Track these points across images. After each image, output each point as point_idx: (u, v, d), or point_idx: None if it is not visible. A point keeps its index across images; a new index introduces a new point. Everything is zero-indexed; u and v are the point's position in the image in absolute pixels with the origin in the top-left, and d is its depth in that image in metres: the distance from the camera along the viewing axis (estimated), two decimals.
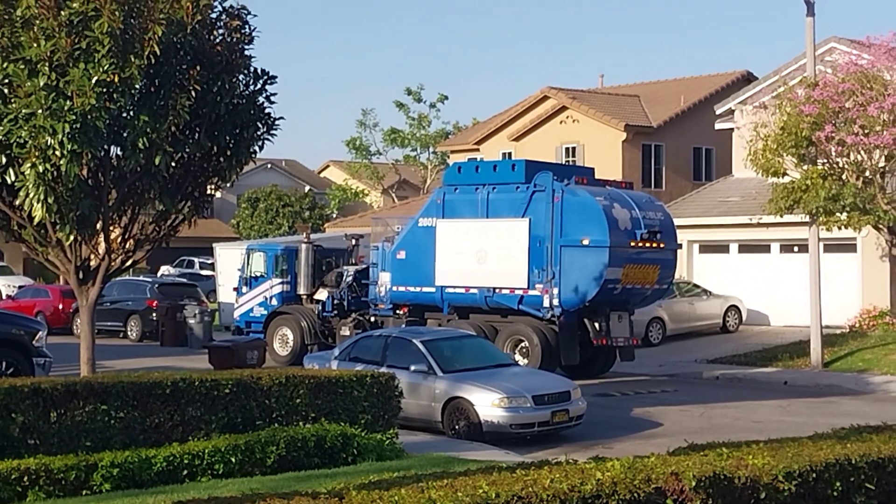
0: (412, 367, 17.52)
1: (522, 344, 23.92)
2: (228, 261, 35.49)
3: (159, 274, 48.75)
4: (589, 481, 6.80)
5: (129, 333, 34.78)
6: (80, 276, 16.25)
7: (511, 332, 24.19)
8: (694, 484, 7.15)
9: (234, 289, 30.50)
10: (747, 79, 43.41)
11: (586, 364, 24.40)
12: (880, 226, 25.88)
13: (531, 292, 23.76)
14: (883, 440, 8.72)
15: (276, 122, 16.33)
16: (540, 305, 23.63)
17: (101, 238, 16.16)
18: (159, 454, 12.54)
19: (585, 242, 23.09)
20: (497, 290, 24.30)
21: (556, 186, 23.56)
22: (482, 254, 24.46)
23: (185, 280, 41.81)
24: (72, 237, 15.40)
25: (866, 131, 24.57)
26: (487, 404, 16.74)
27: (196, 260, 54.26)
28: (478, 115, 65.89)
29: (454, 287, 24.93)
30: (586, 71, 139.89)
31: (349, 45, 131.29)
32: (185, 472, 12.61)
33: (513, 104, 47.83)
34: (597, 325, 23.88)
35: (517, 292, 24.00)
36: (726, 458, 7.72)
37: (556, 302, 23.36)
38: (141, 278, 37.08)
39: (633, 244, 23.44)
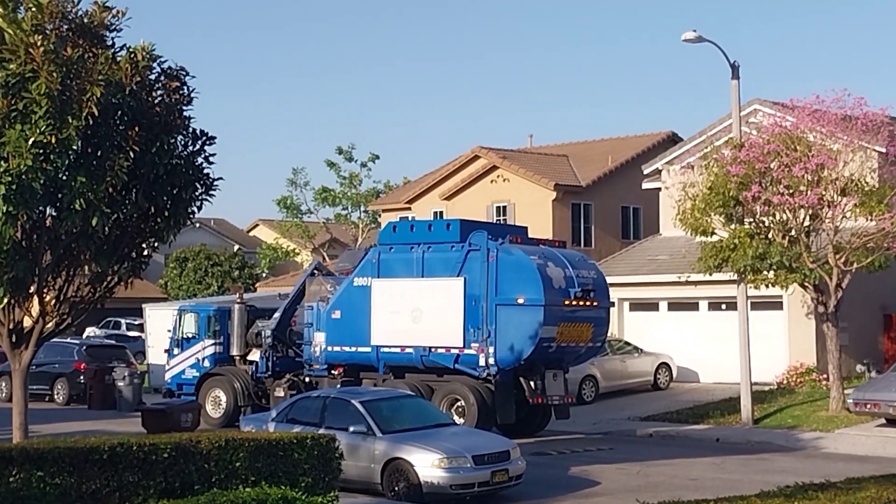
0: (351, 429, 17.41)
1: (458, 403, 23.91)
2: (158, 322, 35.08)
3: (85, 335, 47.90)
4: None
5: (55, 397, 34.11)
6: (14, 339, 15.91)
7: (447, 391, 24.17)
8: None
9: (166, 350, 30.12)
10: (672, 139, 44.27)
11: (522, 422, 24.45)
12: (806, 284, 26.41)
13: (467, 351, 23.81)
14: (829, 498, 8.86)
15: (215, 183, 16.22)
16: (476, 364, 23.68)
17: (36, 301, 15.87)
18: None
19: (520, 301, 23.24)
20: (433, 350, 24.31)
21: (491, 245, 23.73)
22: (418, 313, 24.48)
23: (113, 342, 41.15)
24: (5, 300, 15.07)
25: (791, 191, 25.17)
26: (427, 465, 16.69)
27: (123, 321, 53.44)
28: (409, 174, 66.27)
29: (390, 346, 24.89)
30: (516, 130, 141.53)
31: (279, 103, 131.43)
32: None
33: (444, 163, 48.18)
34: (532, 383, 23.98)
35: (453, 351, 24.03)
36: None
37: (491, 361, 23.43)
38: (68, 340, 36.36)
39: (567, 303, 23.65)
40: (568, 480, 19.17)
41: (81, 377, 33.41)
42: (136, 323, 48.74)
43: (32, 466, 12.54)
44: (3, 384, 33.42)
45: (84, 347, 35.37)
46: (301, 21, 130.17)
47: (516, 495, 17.38)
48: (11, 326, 15.87)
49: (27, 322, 16.20)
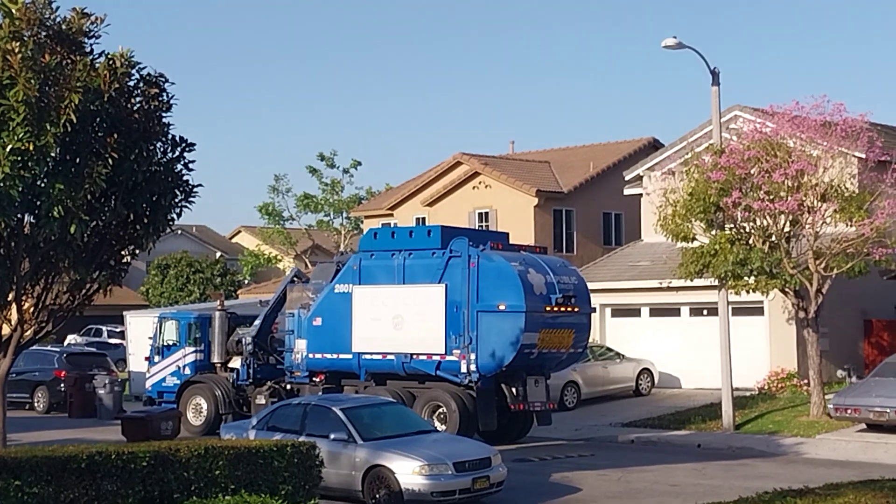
0: (332, 436, 17.35)
1: (440, 410, 23.88)
2: (139, 329, 34.90)
3: (66, 343, 47.67)
4: None
5: (35, 405, 33.92)
6: None
7: (429, 398, 24.13)
8: None
9: (146, 358, 29.94)
10: (654, 145, 44.42)
11: (504, 429, 24.43)
12: (787, 289, 26.49)
13: (448, 358, 23.78)
14: (807, 503, 8.87)
15: (195, 190, 16.18)
16: (457, 371, 23.65)
17: (14, 308, 15.78)
18: None
19: (502, 308, 23.23)
20: (414, 356, 24.27)
21: (472, 252, 23.72)
22: (399, 320, 24.44)
23: (93, 349, 40.94)
24: None
25: (771, 197, 25.25)
26: (408, 472, 16.64)
27: (104, 328, 53.23)
28: (391, 181, 66.18)
29: (371, 353, 24.84)
30: (497, 137, 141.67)
31: (261, 110, 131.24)
32: None
33: (426, 170, 48.20)
34: (514, 389, 23.96)
35: (434, 358, 24.00)
36: None
37: (473, 367, 23.40)
38: (48, 348, 36.17)
39: (548, 309, 23.65)
40: (549, 487, 19.16)
41: (62, 385, 33.23)
42: (118, 330, 48.54)
43: (10, 475, 12.47)
44: None
45: (64, 355, 35.16)
46: (283, 27, 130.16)
47: (498, 502, 17.36)
48: None
49: (5, 330, 16.11)
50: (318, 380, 25.63)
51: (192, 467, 13.92)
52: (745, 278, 25.86)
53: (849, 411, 24.60)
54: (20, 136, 13.76)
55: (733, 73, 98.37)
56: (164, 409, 26.40)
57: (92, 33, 15.09)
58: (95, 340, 50.52)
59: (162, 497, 13.56)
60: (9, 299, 15.58)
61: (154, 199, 15.88)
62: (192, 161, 16.16)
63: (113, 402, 31.03)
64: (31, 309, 16.06)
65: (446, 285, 23.84)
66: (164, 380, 28.79)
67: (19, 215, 14.86)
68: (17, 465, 12.57)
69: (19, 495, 12.47)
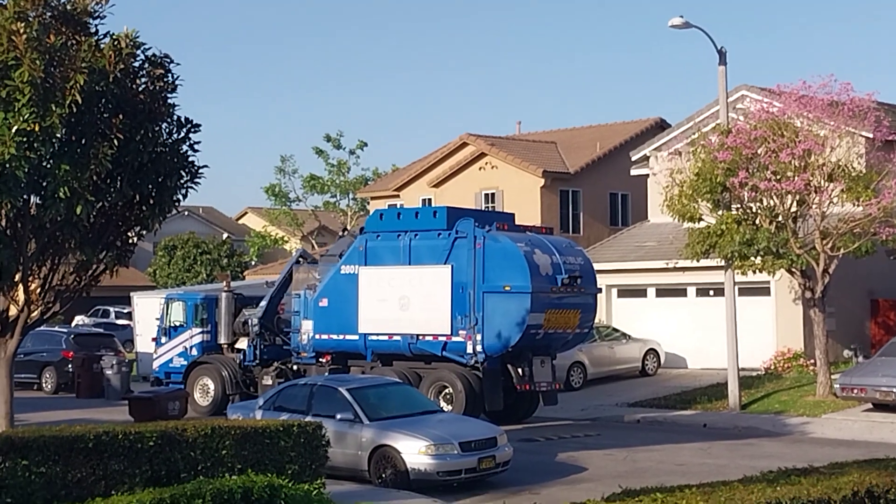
0: (338, 416, 17.41)
1: (446, 390, 23.93)
2: (146, 310, 35.00)
3: (74, 324, 47.82)
4: None
5: (43, 385, 34.06)
6: None
7: (435, 378, 24.18)
8: None
9: (153, 339, 30.06)
10: (660, 126, 44.30)
11: (510, 409, 24.47)
12: (793, 269, 26.47)
13: (454, 338, 23.82)
14: (811, 483, 8.89)
15: (200, 171, 16.21)
16: (463, 351, 23.69)
17: (20, 289, 15.83)
18: None
19: (507, 288, 23.25)
20: (420, 337, 24.31)
21: (478, 233, 23.72)
22: (405, 300, 24.47)
23: (101, 330, 41.06)
24: None
25: (778, 177, 25.21)
26: (414, 452, 16.71)
27: (112, 309, 53.33)
28: (397, 162, 66.13)
29: (377, 334, 24.88)
30: (504, 117, 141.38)
31: (267, 91, 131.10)
32: None
33: (432, 151, 48.13)
34: (520, 370, 24.00)
35: (440, 339, 24.03)
36: None
37: (479, 348, 23.44)
38: (56, 328, 36.32)
39: (554, 289, 23.65)
40: (555, 466, 19.21)
41: (69, 366, 33.38)
42: (125, 311, 48.63)
43: (17, 455, 12.54)
44: None
45: (72, 336, 35.31)
46: (289, 8, 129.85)
47: (503, 482, 17.41)
48: None
49: (12, 310, 16.19)
50: (324, 360, 25.70)
51: (199, 447, 13.98)
52: (752, 258, 25.85)
53: (855, 391, 24.61)
54: (26, 116, 13.79)
55: (740, 53, 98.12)
56: (171, 389, 26.52)
57: (97, 14, 15.09)
58: (103, 321, 50.65)
59: (169, 476, 13.63)
60: (15, 280, 15.64)
61: (160, 179, 15.91)
62: (198, 142, 16.21)
63: (120, 383, 31.14)
64: (38, 289, 16.11)
65: (452, 266, 23.85)
66: (171, 360, 28.91)
67: (25, 196, 14.90)
68: (25, 445, 12.64)
69: (27, 475, 12.54)
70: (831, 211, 25.98)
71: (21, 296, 15.92)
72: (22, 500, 12.35)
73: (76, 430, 13.33)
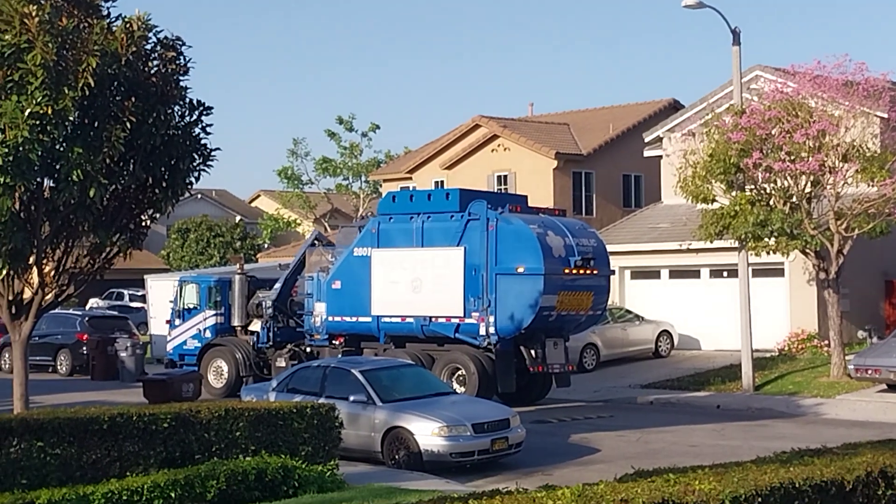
0: (351, 398, 17.45)
1: (459, 372, 23.96)
2: (160, 292, 35.11)
3: (88, 307, 48.02)
4: None
5: (58, 368, 34.23)
6: (13, 310, 15.96)
7: (448, 360, 24.21)
8: None
9: (167, 321, 30.15)
10: (674, 107, 44.11)
11: (522, 391, 24.50)
12: (807, 250, 26.38)
13: (467, 320, 23.83)
14: (825, 463, 8.87)
15: (213, 154, 16.22)
16: (476, 333, 23.71)
17: (35, 272, 15.89)
18: (97, 491, 12.35)
19: (520, 270, 23.23)
20: (433, 319, 24.32)
21: (491, 215, 23.70)
22: (418, 283, 24.48)
23: (115, 313, 41.23)
24: (4, 271, 15.12)
25: (792, 158, 25.09)
26: (427, 433, 16.74)
27: (126, 292, 53.53)
28: (409, 144, 66.14)
29: (390, 316, 24.90)
30: (516, 99, 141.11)
31: (280, 73, 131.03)
32: None
33: (444, 133, 48.04)
34: (533, 352, 24.00)
35: (453, 321, 24.04)
36: (674, 484, 7.80)
37: (492, 330, 23.45)
38: (70, 311, 36.48)
39: (567, 271, 23.63)
40: (568, 448, 19.24)
41: (84, 348, 33.53)
42: (139, 294, 48.81)
43: (33, 437, 12.63)
44: (7, 355, 33.53)
45: (87, 318, 35.45)
46: None
47: (516, 463, 17.45)
48: (11, 298, 15.93)
49: (27, 293, 16.24)
50: (337, 343, 25.76)
51: (213, 429, 14.05)
52: (766, 239, 25.77)
53: (869, 372, 24.55)
54: (38, 99, 13.81)
55: (754, 33, 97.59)
56: (185, 371, 26.59)
57: None
58: (117, 304, 50.85)
59: (183, 458, 13.70)
60: (29, 262, 15.70)
61: (172, 162, 15.93)
62: (210, 125, 16.23)
63: (135, 365, 31.27)
64: (52, 272, 16.17)
65: (465, 248, 23.85)
66: (185, 343, 29.00)
67: (39, 179, 14.94)
68: (40, 427, 12.72)
69: (42, 456, 12.63)
70: (846, 191, 25.86)
71: (35, 279, 15.98)
72: (37, 481, 12.44)
73: (91, 412, 13.41)
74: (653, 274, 34.82)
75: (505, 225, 23.56)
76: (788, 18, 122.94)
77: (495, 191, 40.54)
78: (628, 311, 32.86)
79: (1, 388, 23.01)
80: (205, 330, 28.62)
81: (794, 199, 25.83)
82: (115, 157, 14.80)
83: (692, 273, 33.86)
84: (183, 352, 28.96)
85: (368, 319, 25.18)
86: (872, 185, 25.67)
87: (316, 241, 27.86)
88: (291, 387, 18.54)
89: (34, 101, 13.80)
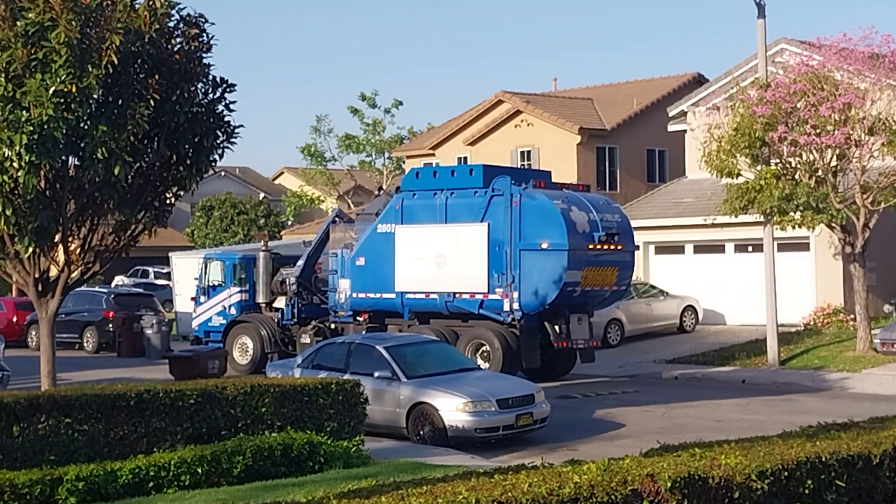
0: (376, 374, 17.49)
1: (483, 348, 23.97)
2: (185, 270, 35.28)
3: (114, 284, 48.30)
4: (567, 485, 6.83)
5: (85, 345, 34.47)
6: (40, 288, 16.07)
7: (472, 336, 24.23)
8: (669, 485, 7.21)
9: (192, 298, 30.28)
10: (698, 81, 43.83)
11: (547, 367, 24.50)
12: (833, 224, 26.21)
13: (491, 296, 23.82)
14: (851, 437, 8.84)
15: (236, 130, 16.24)
16: (500, 309, 23.70)
17: (61, 250, 15.99)
18: (125, 467, 12.46)
19: (544, 246, 23.19)
20: (457, 295, 24.33)
21: (514, 190, 23.64)
22: (442, 259, 24.48)
23: (141, 290, 41.46)
24: (30, 249, 15.22)
25: (818, 131, 24.88)
26: (452, 409, 16.77)
27: (151, 269, 53.81)
28: (433, 120, 65.98)
29: (414, 293, 24.93)
30: (540, 74, 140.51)
31: (302, 50, 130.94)
32: (152, 484, 12.55)
33: (467, 109, 47.94)
34: (557, 327, 23.97)
35: (477, 296, 24.04)
36: (699, 459, 7.79)
37: (516, 305, 23.44)
38: (96, 289, 36.70)
39: (591, 247, 23.57)
40: (593, 423, 19.24)
41: (110, 325, 33.74)
42: (164, 271, 49.06)
43: (60, 413, 12.73)
44: (34, 333, 33.80)
45: (112, 296, 35.66)
46: None
47: (541, 438, 17.47)
48: (37, 275, 16.03)
49: (53, 271, 16.35)
50: (361, 319, 25.81)
51: (239, 405, 14.13)
52: (791, 214, 25.62)
53: (895, 346, 24.40)
54: (63, 78, 13.86)
55: (779, 6, 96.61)
56: (210, 348, 26.70)
57: None
58: (142, 281, 51.13)
59: (209, 434, 13.78)
60: (55, 240, 15.80)
61: (196, 140, 15.96)
62: (234, 102, 16.26)
63: (160, 342, 31.44)
64: (78, 250, 16.27)
65: (489, 224, 23.82)
66: (210, 319, 29.13)
67: (64, 157, 15.01)
68: (68, 404, 12.82)
69: (70, 432, 12.74)
70: (872, 165, 25.65)
71: (61, 256, 16.08)
72: (65, 457, 12.55)
73: (118, 389, 13.50)
74: (677, 249, 34.70)
75: (529, 200, 23.51)
76: None
77: (519, 166, 40.43)
78: (653, 287, 32.77)
79: (28, 365, 23.20)
80: (230, 307, 28.74)
81: (820, 172, 25.64)
82: (139, 134, 14.85)
83: (717, 248, 33.73)
84: (208, 328, 29.10)
85: (392, 296, 25.22)
86: None
87: (337, 219, 27.90)
88: (316, 363, 18.60)
89: (58, 80, 13.85)
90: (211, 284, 29.27)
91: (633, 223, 26.45)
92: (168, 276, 44.00)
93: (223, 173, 68.62)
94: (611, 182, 42.94)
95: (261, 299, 28.34)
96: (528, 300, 23.35)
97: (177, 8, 15.33)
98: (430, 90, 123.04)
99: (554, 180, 25.78)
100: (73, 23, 13.81)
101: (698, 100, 35.30)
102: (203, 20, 15.79)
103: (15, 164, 13.92)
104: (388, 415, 17.26)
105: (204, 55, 15.79)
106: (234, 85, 16.20)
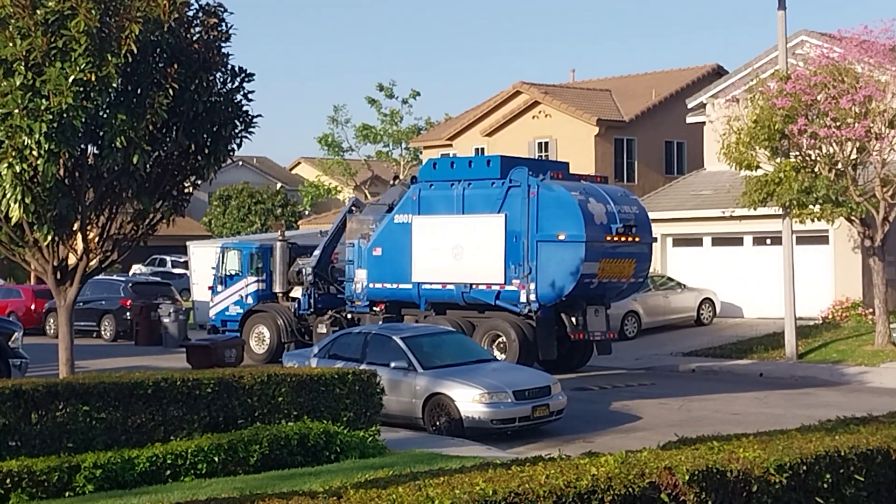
0: (392, 364, 17.49)
1: (500, 339, 23.96)
2: (202, 259, 35.37)
3: (131, 273, 48.48)
4: (584, 477, 6.81)
5: (102, 333, 34.60)
6: (58, 276, 16.13)
7: (488, 327, 24.22)
8: (687, 478, 7.17)
9: (209, 287, 30.37)
10: (717, 72, 43.65)
11: (563, 358, 24.47)
12: (853, 218, 26.07)
13: (508, 287, 23.80)
14: (870, 432, 8.79)
15: (254, 120, 16.26)
16: (517, 300, 23.68)
17: (79, 238, 16.04)
18: (142, 454, 12.50)
19: (561, 237, 23.16)
20: (474, 286, 24.32)
21: (532, 182, 23.60)
22: (458, 250, 24.47)
23: (158, 279, 41.60)
24: (49, 237, 15.28)
25: (838, 124, 24.74)
26: (468, 400, 16.76)
27: (168, 258, 53.98)
28: (450, 111, 66.01)
29: (431, 283, 24.93)
30: (558, 65, 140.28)
31: (320, 40, 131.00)
32: (169, 472, 12.58)
33: (485, 99, 47.87)
34: (574, 319, 23.95)
35: (494, 288, 24.03)
36: (718, 452, 7.75)
37: (533, 297, 23.41)
38: (114, 277, 36.84)
39: (608, 238, 23.52)
40: (609, 415, 19.21)
41: (128, 314, 33.86)
42: (181, 260, 49.21)
43: (78, 401, 12.77)
44: (52, 321, 33.96)
45: (130, 284, 35.78)
46: None
47: (557, 430, 17.45)
48: (56, 263, 16.09)
49: (71, 259, 16.40)
50: (378, 309, 25.82)
51: (256, 394, 14.15)
52: (810, 207, 25.49)
53: None
54: (82, 66, 13.88)
55: None
56: (227, 337, 26.79)
57: None
58: (160, 270, 51.28)
59: (226, 422, 13.81)
60: (74, 229, 15.84)
61: (215, 129, 15.98)
62: (252, 91, 16.26)
63: (178, 331, 31.54)
64: (96, 238, 16.31)
65: (506, 215, 23.79)
66: (227, 309, 29.19)
67: (83, 146, 15.05)
68: (86, 391, 12.86)
69: (88, 420, 12.77)
70: (892, 158, 25.50)
71: (80, 245, 16.13)
72: (83, 445, 12.60)
73: (135, 377, 13.53)
74: (695, 241, 34.59)
75: (546, 192, 23.47)
76: None
77: (536, 158, 40.35)
78: (670, 279, 32.69)
79: (47, 352, 23.29)
80: (247, 296, 28.79)
81: (840, 165, 25.50)
82: (157, 123, 14.87)
83: (735, 240, 33.61)
84: (225, 318, 29.16)
85: (409, 286, 25.22)
86: None
87: (353, 208, 27.91)
88: (333, 353, 18.61)
89: (78, 68, 13.88)
90: (228, 274, 29.33)
91: (651, 215, 26.38)
92: (185, 265, 44.13)
93: (241, 163, 68.77)
94: (629, 174, 42.83)
95: (277, 289, 28.38)
96: (545, 292, 23.31)
97: None
98: (447, 81, 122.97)
99: (572, 172, 25.72)
100: (93, 11, 13.83)
101: (717, 91, 35.14)
102: (222, 9, 15.82)
103: (34, 153, 13.96)
104: (404, 405, 17.27)
105: (223, 45, 15.81)
106: (252, 74, 16.21)
